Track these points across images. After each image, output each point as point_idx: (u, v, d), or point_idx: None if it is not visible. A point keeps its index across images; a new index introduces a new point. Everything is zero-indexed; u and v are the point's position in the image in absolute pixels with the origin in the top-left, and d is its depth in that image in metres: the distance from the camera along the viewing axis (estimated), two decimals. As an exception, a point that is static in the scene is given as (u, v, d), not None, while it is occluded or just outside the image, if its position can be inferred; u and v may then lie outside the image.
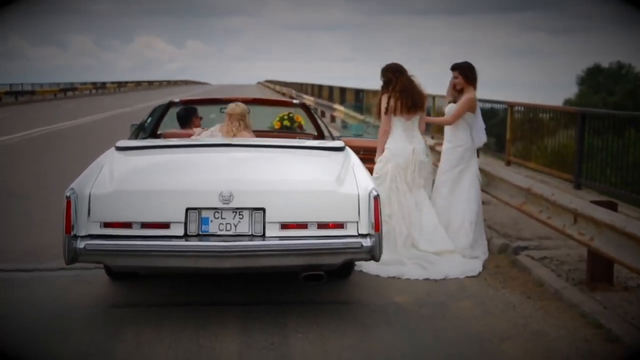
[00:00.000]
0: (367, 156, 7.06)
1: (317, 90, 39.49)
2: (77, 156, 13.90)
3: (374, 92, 22.49)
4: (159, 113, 7.32)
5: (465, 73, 7.09)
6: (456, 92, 7.18)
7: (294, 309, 5.25)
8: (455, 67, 7.14)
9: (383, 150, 6.93)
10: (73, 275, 5.97)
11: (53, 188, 10.30)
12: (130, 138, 6.72)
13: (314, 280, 4.98)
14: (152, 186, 4.87)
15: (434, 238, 6.72)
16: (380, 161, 6.91)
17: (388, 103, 6.79)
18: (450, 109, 7.16)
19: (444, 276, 6.22)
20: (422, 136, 7.03)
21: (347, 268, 5.73)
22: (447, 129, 7.26)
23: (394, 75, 6.86)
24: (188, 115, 7.60)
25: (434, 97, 18.20)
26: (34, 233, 7.71)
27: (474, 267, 6.45)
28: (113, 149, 5.56)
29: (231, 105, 6.35)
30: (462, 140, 7.10)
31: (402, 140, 6.86)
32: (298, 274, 4.99)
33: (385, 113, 6.83)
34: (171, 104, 7.37)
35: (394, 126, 6.88)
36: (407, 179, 6.81)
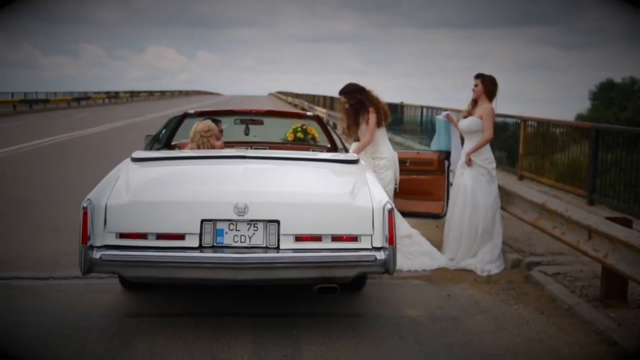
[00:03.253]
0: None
1: (329, 102, 39.52)
2: (90, 165, 14.02)
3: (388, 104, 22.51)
4: (174, 124, 7.37)
5: (486, 84, 7.05)
6: (471, 103, 7.15)
7: (307, 321, 5.26)
8: (478, 76, 7.10)
9: None
10: (87, 284, 6.00)
11: (66, 196, 10.41)
12: (145, 149, 6.75)
13: (327, 293, 4.99)
14: (168, 197, 4.90)
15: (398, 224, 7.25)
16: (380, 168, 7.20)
17: (378, 117, 7.21)
18: (469, 122, 7.12)
19: (437, 266, 6.87)
20: None
21: (360, 280, 5.74)
22: (469, 144, 7.18)
23: (362, 95, 7.30)
24: None
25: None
26: (47, 241, 7.77)
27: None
28: (129, 159, 5.59)
29: (194, 125, 6.39)
30: (489, 152, 7.14)
31: (390, 147, 7.40)
32: (312, 287, 5.00)
33: (378, 127, 7.26)
34: (186, 115, 7.41)
35: (382, 137, 7.34)
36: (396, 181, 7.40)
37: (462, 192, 7.11)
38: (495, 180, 7.17)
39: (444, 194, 7.63)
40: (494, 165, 7.20)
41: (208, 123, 6.37)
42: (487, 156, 7.12)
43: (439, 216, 7.57)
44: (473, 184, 7.05)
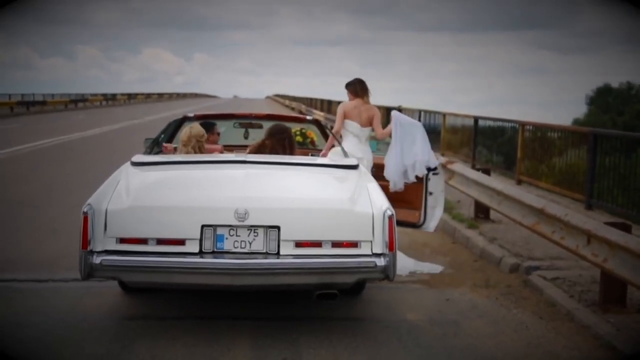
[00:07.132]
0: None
1: (326, 105, 39.57)
2: (88, 167, 14.02)
3: (386, 108, 22.52)
4: (173, 128, 7.36)
5: (350, 89, 7.63)
6: None
7: (306, 325, 5.27)
8: (345, 86, 7.69)
9: None
10: (87, 286, 5.98)
11: (64, 198, 10.40)
12: (145, 152, 6.75)
13: (327, 299, 4.99)
14: (168, 202, 4.89)
15: None
16: None
17: None
18: None
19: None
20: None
21: (359, 285, 5.73)
22: None
23: None
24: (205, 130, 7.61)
25: (444, 115, 18.22)
26: (46, 243, 7.77)
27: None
28: (129, 163, 5.56)
29: (185, 130, 6.33)
30: (348, 149, 7.19)
31: None
32: (311, 292, 5.00)
33: None
34: (185, 119, 7.41)
35: None
36: None
37: None
38: None
39: (421, 203, 7.46)
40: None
41: (200, 128, 6.37)
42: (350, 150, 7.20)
43: (415, 225, 7.44)
44: None
